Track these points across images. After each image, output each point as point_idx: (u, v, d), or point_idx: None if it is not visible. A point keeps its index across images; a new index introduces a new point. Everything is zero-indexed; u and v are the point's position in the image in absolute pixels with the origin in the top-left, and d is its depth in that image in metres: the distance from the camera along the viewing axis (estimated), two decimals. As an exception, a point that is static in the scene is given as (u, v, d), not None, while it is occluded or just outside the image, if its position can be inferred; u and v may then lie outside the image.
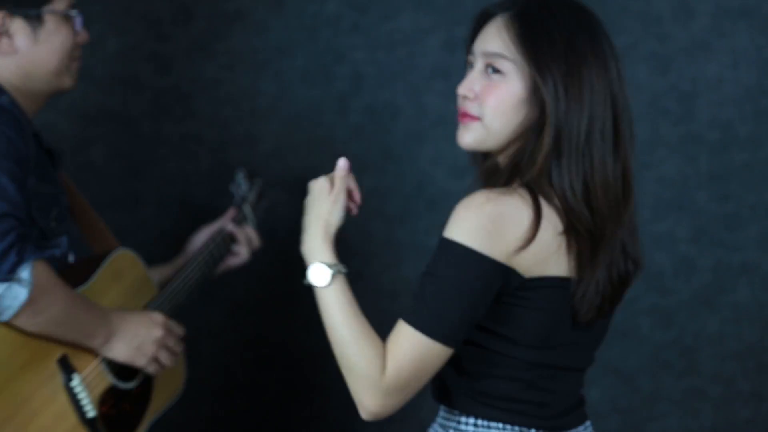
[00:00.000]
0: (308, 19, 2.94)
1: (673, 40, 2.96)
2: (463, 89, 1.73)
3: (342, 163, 1.83)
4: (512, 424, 1.72)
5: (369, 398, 1.64)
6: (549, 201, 1.67)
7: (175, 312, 2.38)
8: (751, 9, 2.94)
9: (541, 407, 1.74)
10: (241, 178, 2.64)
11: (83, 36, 2.21)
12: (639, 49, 2.96)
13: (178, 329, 2.29)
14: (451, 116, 2.94)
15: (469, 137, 1.73)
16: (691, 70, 2.96)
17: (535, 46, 1.68)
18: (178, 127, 2.95)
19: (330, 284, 1.69)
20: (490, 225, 1.61)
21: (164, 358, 2.23)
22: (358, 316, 1.68)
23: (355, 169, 2.92)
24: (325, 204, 1.78)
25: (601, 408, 3.05)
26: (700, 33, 2.96)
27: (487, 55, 1.71)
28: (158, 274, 2.46)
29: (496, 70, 1.70)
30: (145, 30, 2.92)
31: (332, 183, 1.81)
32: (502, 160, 1.76)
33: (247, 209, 2.59)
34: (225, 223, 2.54)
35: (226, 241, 2.53)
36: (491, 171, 1.76)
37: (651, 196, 2.99)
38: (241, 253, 2.55)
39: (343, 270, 1.70)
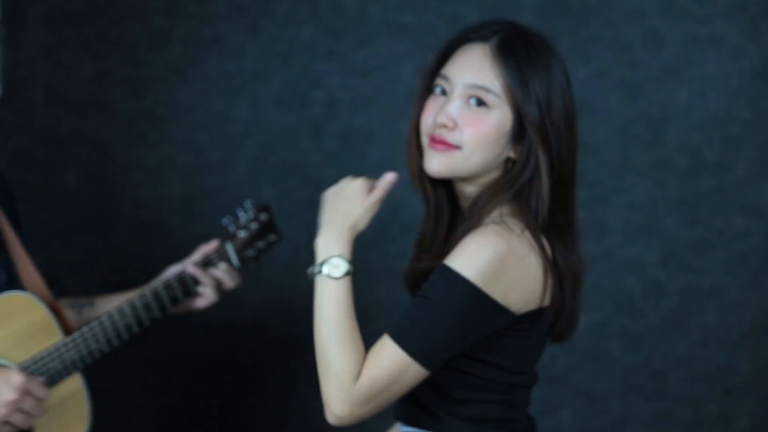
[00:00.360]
0: (283, 45, 2.96)
1: (644, 68, 3.00)
2: (443, 118, 1.73)
3: (391, 177, 1.83)
4: None
5: (337, 401, 1.67)
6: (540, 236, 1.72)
7: (70, 369, 2.23)
8: (720, 38, 2.99)
9: (517, 424, 1.79)
10: (247, 209, 2.44)
11: None
12: (610, 76, 3.01)
13: (41, 391, 2.14)
14: (424, 142, 2.99)
15: (443, 164, 1.74)
16: (661, 97, 3.00)
17: (523, 83, 1.71)
18: (153, 151, 2.96)
19: (341, 278, 1.71)
20: (499, 266, 1.64)
21: (18, 420, 2.11)
22: (351, 319, 1.71)
23: (329, 193, 2.96)
24: (359, 206, 1.79)
25: (571, 430, 3.08)
26: (669, 61, 3.00)
27: (472, 87, 1.72)
28: (105, 305, 2.35)
29: (480, 103, 1.72)
30: (121, 55, 2.93)
31: (371, 189, 1.81)
32: (470, 189, 1.78)
33: (230, 248, 2.41)
34: (186, 264, 2.36)
35: (184, 283, 2.35)
36: (473, 201, 1.77)
37: (621, 220, 3.03)
38: (206, 295, 2.37)
39: (352, 272, 1.73)
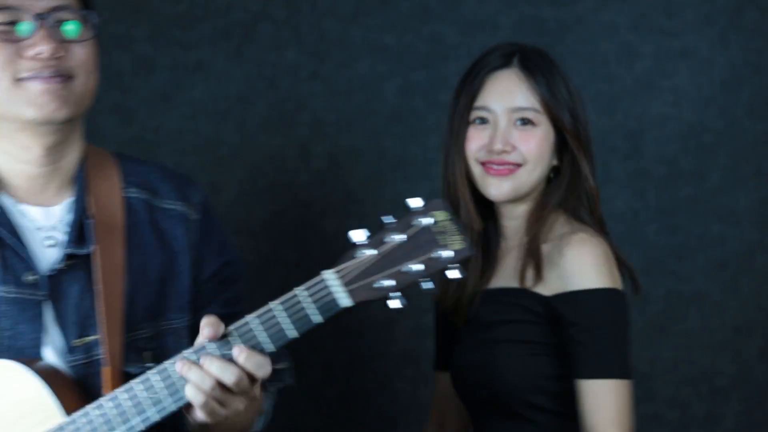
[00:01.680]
0: (268, 68, 3.02)
1: (619, 81, 3.08)
2: (498, 145, 1.83)
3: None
4: None
5: None
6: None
7: None
8: (691, 51, 3.08)
9: None
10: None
11: (34, 46, 1.75)
12: (587, 90, 3.08)
13: None
14: (410, 158, 3.06)
15: (510, 186, 1.84)
16: (637, 109, 3.09)
17: (553, 95, 1.82)
18: (142, 177, 2.99)
19: None
20: (611, 262, 1.77)
21: None
22: None
23: (318, 212, 3.03)
24: None
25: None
26: (643, 74, 3.09)
27: (516, 110, 1.85)
28: None
29: (526, 122, 1.85)
30: (107, 82, 2.96)
31: None
32: (520, 208, 1.87)
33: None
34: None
35: None
36: (530, 215, 1.85)
37: (603, 230, 3.11)
38: None
39: None
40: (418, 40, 3.04)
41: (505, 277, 1.85)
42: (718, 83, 3.10)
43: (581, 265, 1.76)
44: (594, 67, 3.08)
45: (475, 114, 1.87)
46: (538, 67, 1.85)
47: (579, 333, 1.75)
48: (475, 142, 1.86)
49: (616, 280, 1.78)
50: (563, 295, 1.76)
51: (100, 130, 2.96)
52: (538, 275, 1.79)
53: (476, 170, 1.87)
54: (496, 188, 1.84)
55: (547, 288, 1.79)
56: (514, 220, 1.89)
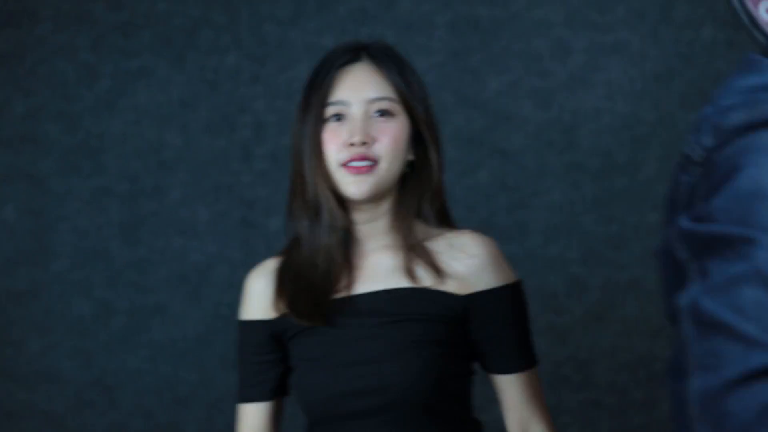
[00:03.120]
0: (209, 73, 3.08)
1: (553, 76, 3.15)
2: (357, 137, 1.72)
3: None
4: None
5: None
6: None
7: None
8: (623, 45, 3.16)
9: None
10: None
11: None
12: (523, 86, 3.16)
13: None
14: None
15: (370, 184, 1.73)
16: (571, 103, 3.15)
17: (408, 86, 1.79)
18: (89, 182, 3.06)
19: None
20: (503, 255, 1.83)
21: None
22: None
23: (261, 212, 3.09)
24: None
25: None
26: (577, 69, 3.16)
27: (373, 100, 1.74)
28: None
29: (384, 113, 1.75)
30: (51, 91, 3.03)
31: None
32: (382, 207, 1.78)
33: None
34: None
35: None
36: (395, 215, 1.79)
37: (542, 222, 3.18)
38: None
39: None
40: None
41: (381, 279, 1.77)
42: (650, 76, 3.17)
43: (493, 260, 1.77)
44: (529, 62, 3.15)
45: (331, 110, 1.75)
46: (389, 59, 1.79)
47: (501, 329, 1.76)
48: (334, 142, 1.74)
49: (512, 270, 1.81)
50: (477, 294, 1.75)
51: (45, 138, 3.02)
52: (438, 274, 1.74)
53: (338, 174, 1.74)
54: (356, 186, 1.72)
55: (453, 286, 1.75)
56: (376, 221, 1.79)
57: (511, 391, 1.81)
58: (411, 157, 1.78)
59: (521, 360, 1.81)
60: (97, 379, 3.07)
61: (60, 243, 3.06)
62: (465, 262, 1.77)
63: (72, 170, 3.05)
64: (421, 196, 1.79)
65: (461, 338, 1.76)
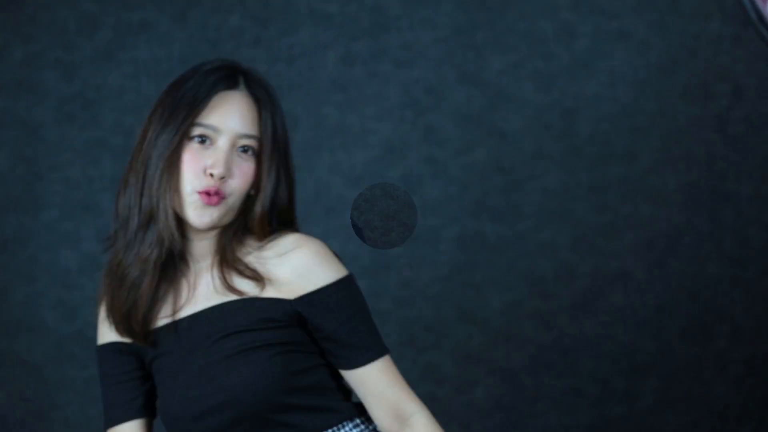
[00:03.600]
0: (211, 31, 3.05)
1: (556, 60, 3.13)
2: (220, 169, 1.72)
3: None
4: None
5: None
6: None
7: None
8: (628, 32, 3.13)
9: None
10: None
11: None
12: (524, 67, 3.13)
13: None
14: (347, 127, 3.11)
15: (213, 217, 1.74)
16: (573, 88, 3.13)
17: (275, 130, 1.79)
18: (83, 133, 3.03)
19: None
20: (329, 252, 1.78)
21: None
22: None
23: (254, 176, 3.06)
24: None
25: (485, 405, 3.20)
26: (581, 53, 3.13)
27: (243, 136, 1.75)
28: None
29: (247, 149, 1.75)
30: (51, 38, 3.00)
31: None
32: (214, 231, 1.79)
33: None
34: None
35: None
36: (223, 242, 1.81)
37: (534, 205, 3.16)
38: None
39: None
40: (361, 11, 3.08)
41: (211, 296, 1.78)
42: (654, 66, 3.15)
43: (317, 261, 1.77)
44: (533, 44, 3.13)
45: (198, 130, 1.74)
46: (266, 97, 1.80)
47: (341, 325, 1.75)
48: (193, 166, 1.74)
49: (342, 266, 1.80)
50: (306, 296, 1.74)
51: (42, 85, 2.99)
52: (261, 282, 1.75)
53: (188, 198, 1.74)
54: (200, 217, 1.73)
55: (281, 292, 1.75)
56: (206, 240, 1.79)
57: (369, 382, 1.79)
58: (252, 192, 1.78)
59: (369, 351, 1.79)
60: (80, 332, 3.06)
61: (50, 192, 3.03)
62: (289, 267, 1.76)
63: (67, 120, 3.02)
64: (248, 213, 1.79)
65: (303, 337, 1.78)
